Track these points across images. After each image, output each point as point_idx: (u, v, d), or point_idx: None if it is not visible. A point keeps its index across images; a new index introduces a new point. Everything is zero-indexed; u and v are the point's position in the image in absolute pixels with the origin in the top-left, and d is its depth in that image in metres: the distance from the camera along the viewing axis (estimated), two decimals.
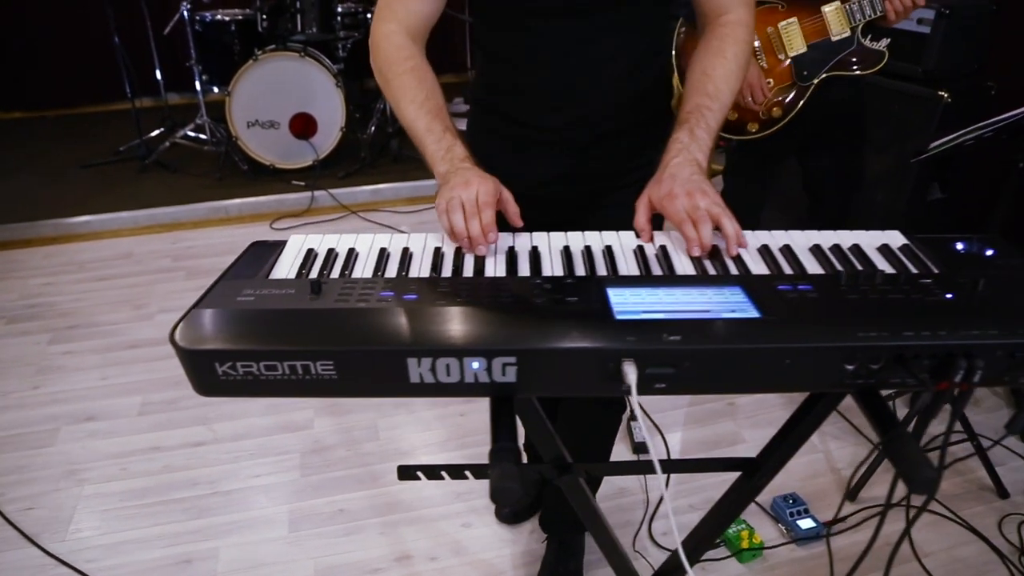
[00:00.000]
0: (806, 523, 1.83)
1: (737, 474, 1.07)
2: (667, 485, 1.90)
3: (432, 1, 1.18)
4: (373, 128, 4.15)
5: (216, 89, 4.01)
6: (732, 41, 1.12)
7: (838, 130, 2.16)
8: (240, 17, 3.93)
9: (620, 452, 2.13)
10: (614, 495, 1.97)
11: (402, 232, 1.03)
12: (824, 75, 1.98)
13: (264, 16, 3.85)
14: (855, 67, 1.96)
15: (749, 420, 2.25)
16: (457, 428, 2.22)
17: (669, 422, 2.25)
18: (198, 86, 3.94)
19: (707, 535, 1.10)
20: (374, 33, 1.18)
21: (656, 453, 2.26)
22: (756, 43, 2.04)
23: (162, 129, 4.22)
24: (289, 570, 1.77)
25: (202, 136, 4.12)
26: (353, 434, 2.21)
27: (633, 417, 2.22)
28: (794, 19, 1.97)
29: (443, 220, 0.98)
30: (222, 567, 1.78)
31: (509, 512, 1.88)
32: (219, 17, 3.92)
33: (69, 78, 5.07)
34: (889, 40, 1.97)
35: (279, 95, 3.79)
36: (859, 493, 1.95)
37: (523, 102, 1.24)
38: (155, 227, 3.58)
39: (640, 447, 2.13)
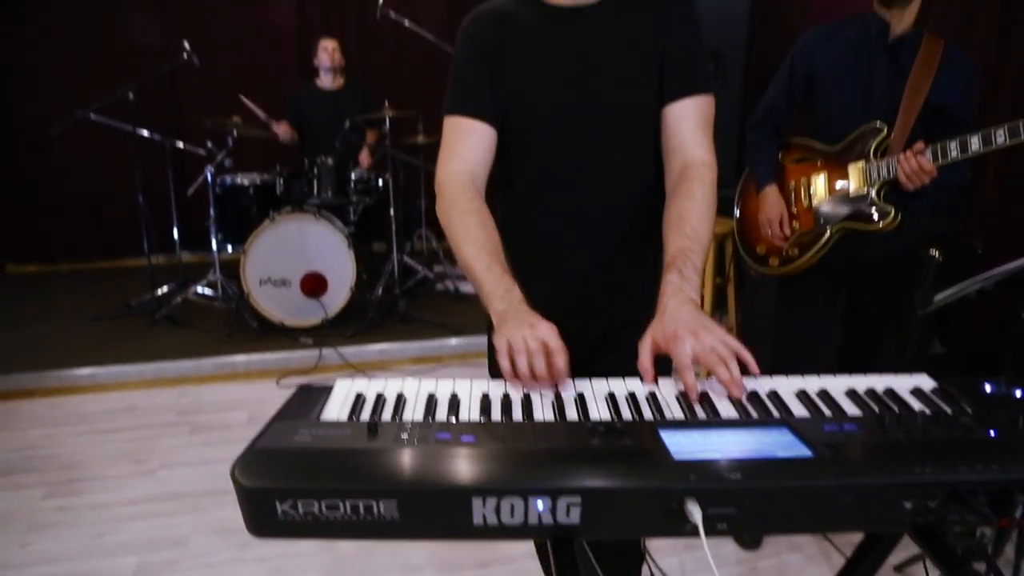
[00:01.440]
0: None
1: None
2: None
3: (488, 139, 1.29)
4: (380, 290, 4.27)
5: (230, 248, 4.17)
6: (699, 183, 1.24)
7: (877, 283, 2.26)
8: (259, 182, 4.17)
9: None
10: None
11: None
12: (839, 225, 2.13)
13: (283, 180, 4.10)
14: (866, 222, 2.10)
15: None
16: None
17: None
18: (214, 245, 4.11)
19: None
20: (439, 174, 1.27)
21: None
22: (792, 188, 2.25)
23: (172, 285, 4.33)
24: None
25: (212, 292, 4.22)
26: None
27: None
28: (824, 173, 2.19)
29: (503, 361, 1.00)
30: None
31: None
32: (239, 181, 4.15)
33: (86, 234, 5.30)
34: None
35: (292, 254, 3.92)
36: None
37: (533, 228, 1.35)
38: (161, 381, 3.58)
39: None
